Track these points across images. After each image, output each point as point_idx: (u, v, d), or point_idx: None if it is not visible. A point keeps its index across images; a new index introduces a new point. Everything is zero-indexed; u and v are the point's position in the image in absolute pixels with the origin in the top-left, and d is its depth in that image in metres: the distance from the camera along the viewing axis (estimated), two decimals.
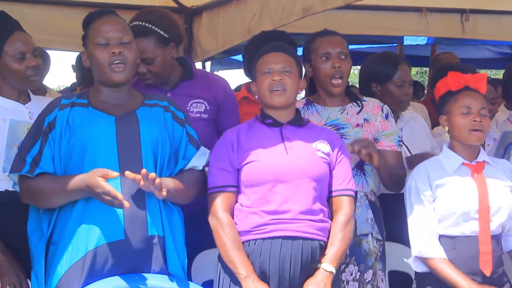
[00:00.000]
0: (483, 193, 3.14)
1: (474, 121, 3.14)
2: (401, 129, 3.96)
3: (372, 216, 3.41)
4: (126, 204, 2.69)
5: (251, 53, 3.78)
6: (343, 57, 3.46)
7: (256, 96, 3.18)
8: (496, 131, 4.64)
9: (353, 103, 3.51)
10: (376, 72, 3.96)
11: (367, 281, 3.35)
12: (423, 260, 3.19)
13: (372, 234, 3.39)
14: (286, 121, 3.12)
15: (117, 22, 2.99)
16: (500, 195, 3.18)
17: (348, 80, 3.69)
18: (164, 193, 2.78)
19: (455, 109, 3.18)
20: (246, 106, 3.99)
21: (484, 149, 3.68)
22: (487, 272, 3.09)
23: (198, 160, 3.07)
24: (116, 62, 2.91)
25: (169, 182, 2.90)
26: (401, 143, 3.57)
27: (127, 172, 2.71)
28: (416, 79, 12.34)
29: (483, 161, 3.23)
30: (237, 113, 3.77)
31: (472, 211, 3.13)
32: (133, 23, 3.42)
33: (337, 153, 3.13)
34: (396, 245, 3.39)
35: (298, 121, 3.15)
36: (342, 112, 3.49)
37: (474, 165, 3.22)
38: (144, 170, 2.70)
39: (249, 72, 3.83)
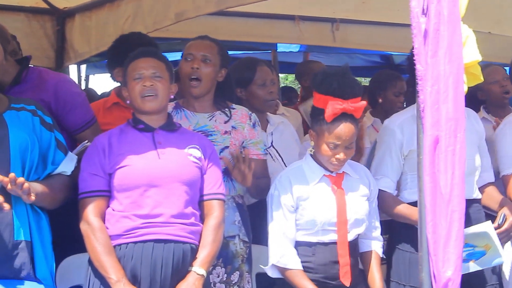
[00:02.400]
0: (341, 206, 3.24)
1: (338, 157, 3.19)
2: (271, 133, 4.05)
3: (240, 219, 3.47)
4: (7, 206, 2.65)
5: (114, 57, 3.80)
6: (206, 61, 3.49)
7: (128, 101, 3.17)
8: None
9: (222, 110, 3.56)
10: (237, 78, 3.99)
11: (233, 282, 3.41)
12: (279, 269, 3.25)
13: (239, 236, 3.45)
14: (158, 126, 3.13)
15: None
16: (357, 206, 3.28)
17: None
18: (33, 197, 2.74)
19: (325, 138, 3.19)
20: (117, 111, 3.95)
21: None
22: (347, 283, 3.21)
23: (66, 166, 3.04)
24: None
25: (37, 187, 2.86)
26: (267, 151, 3.65)
27: None
28: (290, 85, 12.63)
29: (343, 172, 3.31)
30: (85, 108, 3.65)
31: (331, 224, 3.22)
32: None
33: (208, 158, 3.16)
34: (264, 248, 3.44)
35: (170, 126, 3.17)
36: (211, 119, 3.52)
37: (334, 176, 3.29)
38: (12, 174, 2.66)
39: (114, 77, 3.83)
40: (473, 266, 3.35)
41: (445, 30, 2.51)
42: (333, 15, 6.08)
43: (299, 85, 7.56)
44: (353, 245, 3.29)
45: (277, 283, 3.33)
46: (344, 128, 3.16)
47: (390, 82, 5.19)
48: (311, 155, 3.32)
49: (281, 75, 17.60)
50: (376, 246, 3.40)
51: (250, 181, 3.36)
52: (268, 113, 4.17)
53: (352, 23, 6.32)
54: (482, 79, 2.73)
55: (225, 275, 3.38)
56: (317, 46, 6.99)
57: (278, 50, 7.30)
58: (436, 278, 2.49)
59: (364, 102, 3.23)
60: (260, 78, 4.02)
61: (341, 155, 3.18)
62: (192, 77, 3.47)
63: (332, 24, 6.30)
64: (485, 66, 4.97)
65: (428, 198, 2.54)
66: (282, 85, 13.92)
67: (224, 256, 3.35)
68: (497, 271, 3.62)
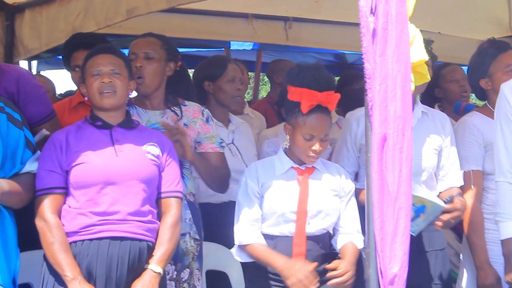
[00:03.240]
0: (303, 197, 3.27)
1: (314, 148, 3.23)
2: (233, 132, 4.15)
3: (191, 216, 3.48)
4: None
5: (67, 54, 3.78)
6: (150, 58, 3.50)
7: (86, 98, 3.16)
8: None
9: (173, 108, 3.56)
10: (208, 71, 4.14)
11: (183, 280, 3.41)
12: (244, 249, 3.28)
13: (190, 233, 3.46)
14: (116, 123, 3.12)
15: None
16: (323, 199, 3.30)
17: None
18: None
19: (301, 130, 3.24)
20: (83, 110, 3.89)
21: None
22: None
23: (33, 164, 3.02)
24: None
25: (4, 185, 2.86)
26: (228, 147, 3.67)
27: None
28: None
29: (313, 166, 3.34)
30: (44, 102, 3.64)
31: (291, 213, 3.25)
32: None
33: (167, 155, 3.17)
34: (215, 245, 3.46)
35: (128, 124, 3.17)
36: (163, 116, 3.53)
37: (302, 169, 3.33)
38: None
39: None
40: (424, 220, 3.36)
41: (393, 30, 2.54)
42: (286, 13, 6.11)
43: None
44: (318, 239, 3.30)
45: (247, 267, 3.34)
46: (320, 120, 3.23)
47: (354, 80, 5.26)
48: (284, 150, 3.36)
49: None
50: (351, 238, 3.36)
51: (190, 153, 3.38)
52: (230, 113, 4.26)
53: (305, 22, 6.35)
54: (429, 78, 2.77)
55: (175, 272, 3.38)
56: (270, 44, 7.02)
57: (231, 48, 7.30)
58: (382, 274, 2.51)
59: (338, 95, 3.30)
60: (230, 74, 4.15)
61: (316, 147, 3.23)
62: (137, 76, 3.47)
63: (285, 23, 6.33)
64: (444, 65, 5.07)
65: (376, 195, 2.57)
66: None
67: (174, 254, 3.34)
68: (444, 276, 3.68)
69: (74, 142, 3.06)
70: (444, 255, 3.70)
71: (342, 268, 3.20)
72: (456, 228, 3.94)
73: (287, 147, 3.36)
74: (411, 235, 2.60)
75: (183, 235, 3.41)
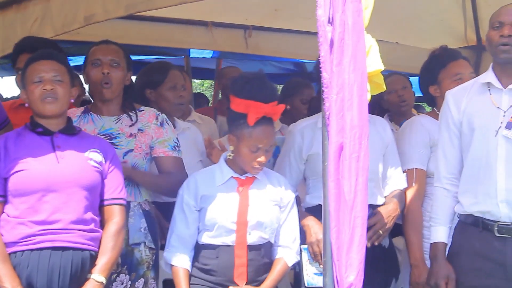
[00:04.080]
0: (242, 207, 3.26)
1: (259, 160, 3.23)
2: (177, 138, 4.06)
3: (146, 225, 3.44)
4: None
5: (13, 57, 3.76)
6: (114, 64, 3.49)
7: (26, 104, 3.11)
8: None
9: (128, 113, 3.54)
10: (148, 79, 4.06)
11: None
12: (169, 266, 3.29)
13: (145, 243, 3.42)
14: (57, 130, 3.07)
15: None
16: (262, 209, 3.30)
17: None
18: None
19: (247, 142, 3.23)
20: (24, 113, 3.83)
21: None
22: (241, 283, 3.23)
23: None
24: None
25: None
26: (178, 148, 3.63)
27: None
28: (207, 91, 12.63)
29: (253, 176, 3.34)
30: None
31: (232, 224, 3.24)
32: None
33: (109, 162, 3.14)
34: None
35: (70, 130, 3.12)
36: (117, 122, 3.50)
37: (243, 179, 3.32)
38: None
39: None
40: None
41: (349, 39, 2.56)
42: (246, 22, 6.12)
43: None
44: (260, 248, 3.30)
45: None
46: (265, 132, 3.23)
47: (297, 90, 5.29)
48: (224, 159, 3.35)
49: (197, 81, 17.60)
50: (284, 253, 3.38)
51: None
52: (175, 118, 4.19)
53: (265, 31, 6.37)
54: (384, 88, 2.80)
55: (129, 282, 3.35)
56: (230, 52, 7.01)
57: (191, 56, 7.28)
58: (339, 283, 2.53)
59: (283, 105, 3.31)
60: (171, 81, 4.06)
61: (262, 158, 3.23)
62: (104, 82, 3.44)
63: (245, 31, 6.34)
64: (386, 76, 5.13)
65: (332, 204, 2.58)
66: (198, 90, 13.95)
67: (128, 264, 3.33)
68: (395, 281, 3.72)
69: (13, 148, 3.00)
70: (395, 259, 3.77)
71: None
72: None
73: (231, 157, 3.33)
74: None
75: (137, 244, 3.38)
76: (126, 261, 3.31)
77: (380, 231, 3.51)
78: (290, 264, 3.37)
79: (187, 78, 5.18)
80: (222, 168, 3.35)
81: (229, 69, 6.30)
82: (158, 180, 3.54)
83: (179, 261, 3.27)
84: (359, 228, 2.53)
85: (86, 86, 4.05)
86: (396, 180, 3.75)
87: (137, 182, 3.45)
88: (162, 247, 3.43)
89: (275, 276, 3.30)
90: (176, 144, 3.60)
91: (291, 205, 3.41)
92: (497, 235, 3.11)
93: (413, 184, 3.76)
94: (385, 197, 3.71)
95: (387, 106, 5.02)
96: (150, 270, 3.43)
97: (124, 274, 3.31)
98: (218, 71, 6.57)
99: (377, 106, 5.06)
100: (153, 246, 3.45)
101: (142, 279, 3.39)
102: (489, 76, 3.24)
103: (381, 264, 3.57)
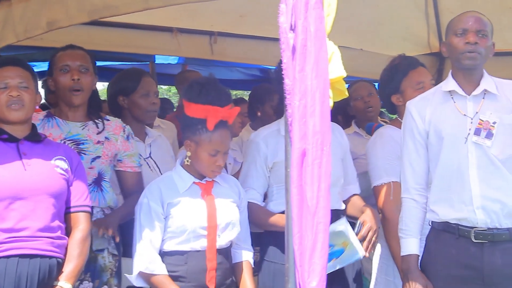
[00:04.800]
0: (211, 211, 3.28)
1: (218, 164, 3.26)
2: (150, 145, 4.08)
3: None
4: None
5: None
6: (83, 70, 3.47)
7: None
8: (239, 150, 4.87)
9: (94, 121, 3.52)
10: (121, 86, 4.06)
11: None
12: (145, 276, 3.24)
13: (108, 249, 3.41)
14: (22, 137, 3.05)
15: None
16: (228, 211, 3.33)
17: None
18: None
19: (206, 147, 3.25)
20: None
21: (226, 168, 3.86)
22: (212, 287, 3.23)
23: None
24: None
25: None
26: (146, 161, 3.64)
27: None
28: (172, 97, 12.58)
29: (212, 180, 3.36)
30: None
31: (201, 229, 3.25)
32: None
33: (75, 169, 3.13)
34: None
35: (35, 137, 3.11)
36: (84, 128, 3.50)
37: (204, 184, 3.34)
38: None
39: None
40: (333, 265, 3.44)
41: (312, 46, 2.57)
42: (211, 28, 6.12)
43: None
44: (226, 252, 3.33)
45: None
46: (223, 135, 3.26)
47: (267, 96, 5.29)
48: (181, 164, 3.35)
49: (163, 87, 17.56)
50: (248, 256, 3.44)
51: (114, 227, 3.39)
52: (146, 126, 4.20)
53: (230, 37, 6.37)
54: (347, 94, 2.81)
55: None
56: (195, 58, 7.00)
57: (156, 62, 7.27)
58: None
59: (238, 108, 3.37)
60: (144, 88, 4.07)
61: (220, 162, 3.26)
62: (74, 88, 3.42)
63: (210, 37, 6.33)
64: (353, 82, 5.17)
65: (295, 210, 2.58)
66: (165, 96, 13.89)
67: (92, 270, 3.32)
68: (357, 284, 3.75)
69: None
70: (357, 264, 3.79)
71: None
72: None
73: (188, 163, 3.34)
74: None
75: (101, 250, 3.37)
76: (89, 268, 3.30)
77: (373, 238, 3.54)
78: (253, 265, 3.44)
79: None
80: (181, 174, 3.35)
81: (190, 74, 6.35)
82: (129, 209, 3.48)
83: (159, 268, 3.24)
84: (321, 233, 2.53)
85: (42, 92, 4.02)
86: (353, 185, 3.84)
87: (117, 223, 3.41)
88: (125, 254, 3.41)
89: (249, 278, 3.35)
90: (139, 160, 3.64)
91: (245, 206, 3.48)
92: (474, 241, 3.14)
93: (390, 196, 3.78)
94: (343, 201, 3.75)
95: (354, 112, 5.06)
96: (113, 277, 3.43)
97: (87, 281, 3.30)
98: (178, 76, 6.54)
99: (343, 112, 5.10)
100: (116, 252, 3.44)
101: (106, 286, 3.38)
102: (450, 84, 3.27)
103: (342, 270, 3.60)
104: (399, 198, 3.77)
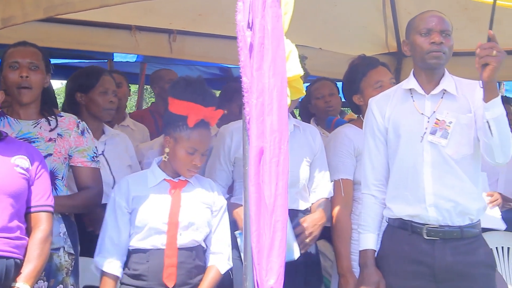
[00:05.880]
0: (174, 208, 3.26)
1: (195, 163, 3.26)
2: (105, 143, 4.09)
3: (65, 230, 3.39)
4: None
5: None
6: (33, 67, 3.44)
7: None
8: None
9: (47, 118, 3.48)
10: (80, 82, 4.08)
11: None
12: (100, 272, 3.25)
13: (64, 248, 3.38)
14: None
15: None
16: (193, 211, 3.31)
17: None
18: None
19: (184, 144, 3.26)
20: None
21: None
22: (170, 284, 3.21)
23: None
24: None
25: None
26: (96, 158, 3.60)
27: None
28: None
29: (186, 180, 3.35)
30: None
31: (163, 224, 3.24)
32: None
33: (36, 168, 3.08)
34: (92, 260, 3.38)
35: None
36: (35, 126, 3.45)
37: (175, 182, 3.33)
38: None
39: None
40: None
41: (269, 44, 2.58)
42: (170, 26, 6.07)
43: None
44: (189, 251, 3.29)
45: None
46: (203, 135, 3.28)
47: (235, 95, 5.29)
48: (157, 163, 3.36)
49: None
50: (215, 261, 3.38)
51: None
52: (105, 124, 4.20)
53: (190, 35, 6.33)
54: (304, 92, 2.83)
55: None
56: (154, 56, 6.96)
57: (114, 60, 7.21)
58: (259, 287, 2.53)
59: (221, 111, 3.38)
60: (102, 86, 4.08)
61: (197, 161, 3.26)
62: (23, 86, 3.38)
63: (169, 35, 6.28)
64: (314, 81, 5.20)
65: (253, 208, 2.58)
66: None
67: (47, 269, 3.26)
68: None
69: None
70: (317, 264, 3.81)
71: None
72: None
73: (166, 159, 3.34)
74: None
75: (56, 249, 3.33)
76: (45, 267, 3.23)
77: (307, 240, 3.56)
78: (223, 271, 3.38)
79: (124, 83, 5.18)
80: (154, 171, 3.36)
81: (165, 72, 6.31)
82: (73, 202, 3.48)
83: (110, 267, 3.23)
84: (279, 232, 2.54)
85: None
86: (323, 188, 3.81)
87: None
88: (82, 253, 3.38)
89: (207, 285, 3.30)
90: (95, 155, 3.59)
91: (223, 211, 3.43)
92: (426, 237, 3.18)
93: (341, 194, 3.82)
94: (312, 204, 3.76)
95: (314, 110, 5.09)
96: (69, 276, 3.38)
97: (42, 281, 3.24)
98: (153, 75, 6.50)
99: (304, 110, 5.13)
100: (72, 251, 3.41)
101: (61, 286, 3.34)
102: (411, 82, 3.30)
103: (301, 268, 3.60)
104: (349, 195, 3.83)
